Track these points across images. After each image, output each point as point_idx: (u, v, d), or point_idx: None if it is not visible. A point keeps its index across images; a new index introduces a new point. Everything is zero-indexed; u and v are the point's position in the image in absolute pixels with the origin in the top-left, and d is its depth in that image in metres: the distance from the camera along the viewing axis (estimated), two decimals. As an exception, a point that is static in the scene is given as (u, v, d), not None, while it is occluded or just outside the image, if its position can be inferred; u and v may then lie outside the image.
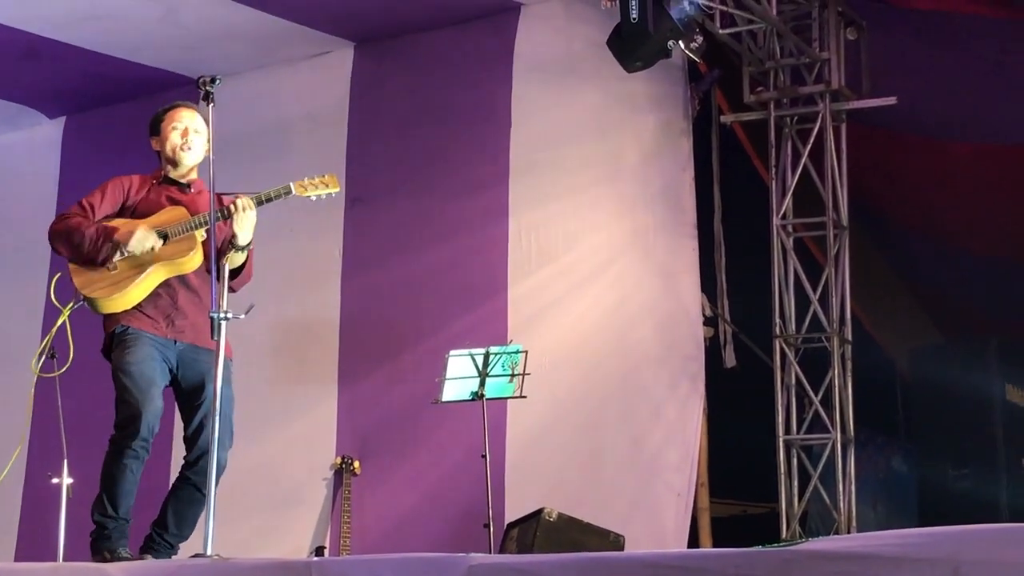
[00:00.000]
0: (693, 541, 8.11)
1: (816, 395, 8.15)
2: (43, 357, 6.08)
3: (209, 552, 5.41)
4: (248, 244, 5.97)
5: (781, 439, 8.14)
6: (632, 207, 8.52)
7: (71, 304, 5.97)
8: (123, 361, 5.84)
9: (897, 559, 3.67)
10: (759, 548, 3.99)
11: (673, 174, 8.46)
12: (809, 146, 8.32)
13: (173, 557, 5.90)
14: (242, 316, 5.64)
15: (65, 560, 7.02)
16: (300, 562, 4.81)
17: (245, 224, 5.91)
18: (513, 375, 7.35)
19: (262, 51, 9.29)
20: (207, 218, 5.83)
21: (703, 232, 8.49)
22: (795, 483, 8.14)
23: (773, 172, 8.41)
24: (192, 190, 6.15)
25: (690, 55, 7.75)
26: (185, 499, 5.93)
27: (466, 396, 7.41)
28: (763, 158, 8.66)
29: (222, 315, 5.53)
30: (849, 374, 8.21)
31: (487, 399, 7.36)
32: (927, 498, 9.28)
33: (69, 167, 9.89)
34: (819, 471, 8.10)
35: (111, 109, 9.81)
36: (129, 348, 5.86)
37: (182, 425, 6.05)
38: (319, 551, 8.55)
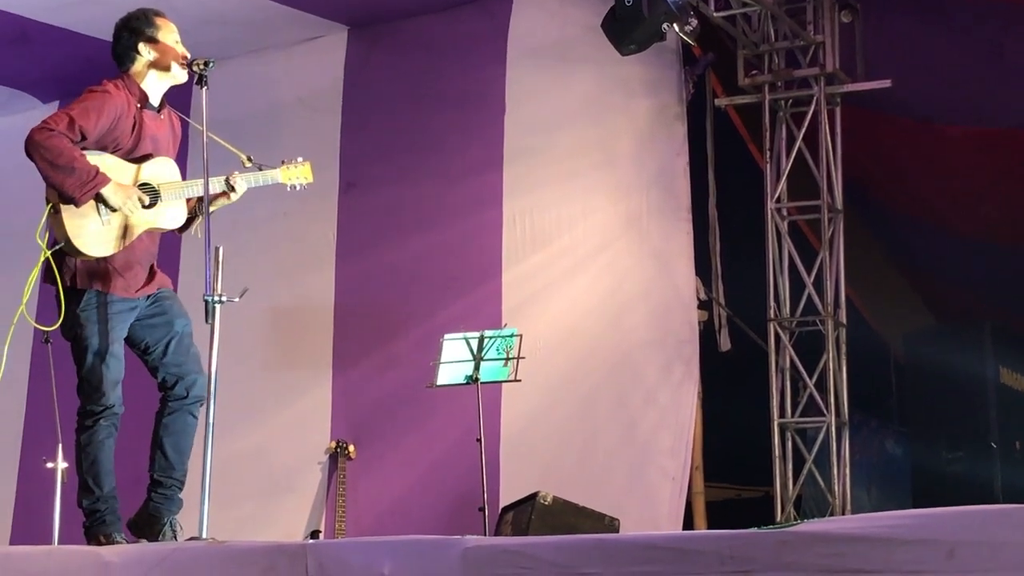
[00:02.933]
0: (687, 525, 8.12)
1: (811, 378, 8.16)
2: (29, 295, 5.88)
3: (204, 535, 5.42)
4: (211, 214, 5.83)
5: (775, 422, 8.15)
6: (626, 191, 8.51)
7: (55, 246, 5.67)
8: (95, 339, 5.67)
9: (892, 541, 3.67)
10: (754, 530, 3.98)
11: (667, 158, 8.44)
12: (804, 129, 8.32)
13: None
14: (236, 300, 5.63)
15: (60, 544, 7.01)
16: (296, 545, 4.81)
17: (226, 201, 5.88)
18: (508, 359, 7.35)
19: (255, 35, 9.26)
20: (200, 186, 5.71)
21: (697, 216, 8.49)
22: (789, 466, 8.15)
23: (768, 156, 8.41)
24: (162, 115, 5.93)
25: (684, 38, 7.76)
26: (180, 429, 5.80)
27: (461, 380, 7.41)
28: (758, 142, 8.66)
29: (216, 298, 5.53)
30: (843, 357, 8.21)
31: (482, 383, 7.36)
32: (921, 481, 9.30)
33: (63, 152, 9.86)
34: (813, 454, 8.11)
35: (104, 93, 9.76)
36: (107, 320, 5.68)
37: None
38: (314, 535, 8.55)
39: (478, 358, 7.35)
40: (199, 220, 5.90)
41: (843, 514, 7.86)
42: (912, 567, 3.60)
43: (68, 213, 5.62)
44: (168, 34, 5.90)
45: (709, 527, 8.24)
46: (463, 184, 8.79)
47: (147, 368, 5.89)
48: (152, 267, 5.90)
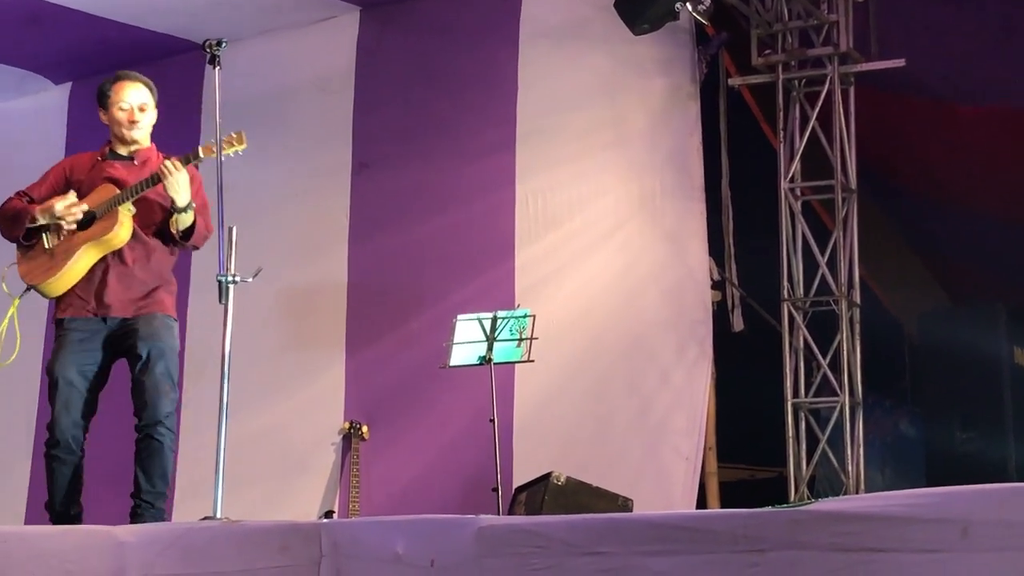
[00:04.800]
0: (701, 505, 8.09)
1: (824, 359, 8.13)
2: None
3: (218, 515, 5.44)
4: (187, 204, 5.99)
5: (789, 403, 8.12)
6: (639, 172, 8.48)
7: (21, 293, 6.09)
8: (52, 366, 6.03)
9: (906, 519, 3.64)
10: (767, 509, 3.96)
11: (680, 138, 8.41)
12: (817, 109, 8.26)
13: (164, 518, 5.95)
14: (249, 280, 5.66)
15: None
16: (310, 524, 4.82)
17: (176, 186, 5.94)
18: (521, 339, 7.35)
19: (267, 16, 9.24)
20: (131, 191, 5.96)
21: (711, 196, 8.45)
22: (803, 447, 8.12)
23: (781, 135, 8.37)
24: (136, 162, 6.22)
25: (697, 17, 7.76)
26: (144, 452, 5.99)
27: (474, 360, 7.41)
28: (771, 121, 8.62)
29: (230, 278, 5.56)
30: (857, 338, 8.18)
31: (495, 364, 7.36)
32: (935, 461, 9.27)
33: (76, 133, 9.85)
34: (827, 435, 8.08)
35: (117, 75, 9.77)
36: (60, 350, 6.04)
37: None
38: (328, 515, 8.55)
39: (491, 339, 7.35)
40: (176, 219, 6.04)
41: (857, 494, 7.84)
42: (926, 545, 3.59)
43: (22, 260, 6.13)
44: (115, 103, 6.21)
45: (722, 508, 8.23)
46: (476, 165, 8.76)
47: None
48: (123, 296, 6.07)
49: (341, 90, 9.27)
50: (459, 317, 7.43)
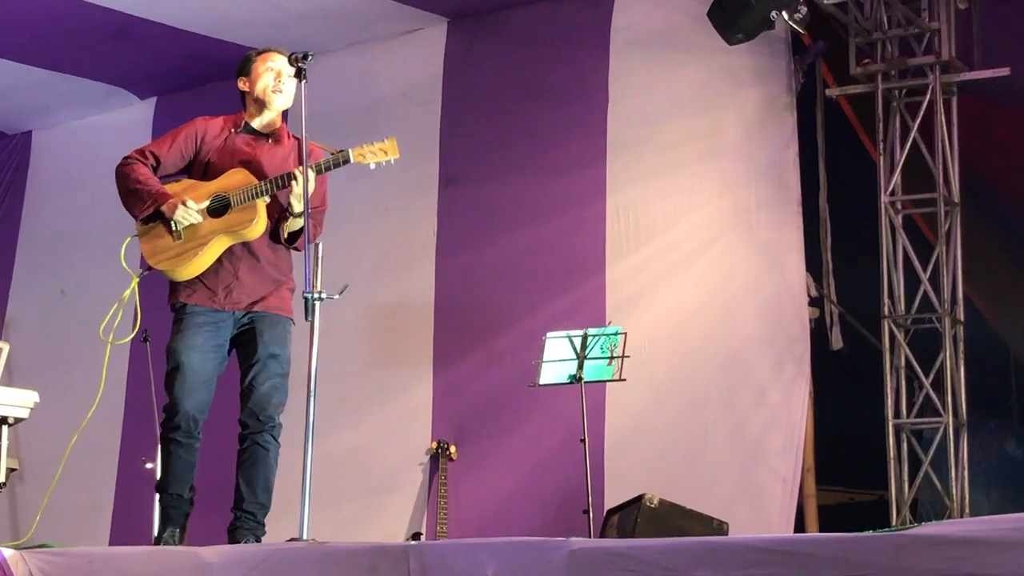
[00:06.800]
0: (799, 529, 7.98)
1: (927, 378, 7.94)
2: (114, 324, 6.02)
3: (305, 536, 5.36)
4: (303, 210, 5.79)
5: (891, 423, 7.94)
6: (734, 184, 8.35)
7: (141, 272, 5.98)
8: (174, 347, 5.90)
9: (1013, 543, 3.60)
10: (869, 533, 3.95)
11: (777, 150, 8.27)
12: (919, 120, 8.11)
13: (263, 537, 5.84)
14: (336, 296, 5.62)
15: (159, 544, 6.98)
16: (398, 546, 4.80)
17: (302, 193, 5.77)
18: (612, 357, 7.24)
19: (354, 29, 9.27)
20: (269, 186, 5.83)
21: (808, 210, 8.32)
22: (905, 469, 7.93)
23: (881, 147, 8.21)
24: (270, 140, 6.08)
25: (794, 26, 7.65)
26: (248, 460, 5.89)
27: (564, 379, 7.31)
28: (870, 133, 8.46)
29: (316, 295, 5.49)
30: (961, 356, 7.98)
31: (585, 382, 7.25)
32: (1042, 484, 9.04)
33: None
34: (930, 456, 7.89)
35: (202, 89, 9.84)
36: (182, 332, 5.91)
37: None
38: (415, 537, 8.50)
39: (582, 356, 7.25)
40: (290, 222, 5.93)
41: (961, 518, 7.62)
42: (1032, 570, 3.52)
43: (145, 237, 5.97)
44: (261, 64, 6.09)
45: (822, 532, 8.04)
46: (566, 178, 8.70)
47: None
48: (253, 289, 5.97)
49: (428, 103, 9.25)
50: (549, 335, 7.34)
